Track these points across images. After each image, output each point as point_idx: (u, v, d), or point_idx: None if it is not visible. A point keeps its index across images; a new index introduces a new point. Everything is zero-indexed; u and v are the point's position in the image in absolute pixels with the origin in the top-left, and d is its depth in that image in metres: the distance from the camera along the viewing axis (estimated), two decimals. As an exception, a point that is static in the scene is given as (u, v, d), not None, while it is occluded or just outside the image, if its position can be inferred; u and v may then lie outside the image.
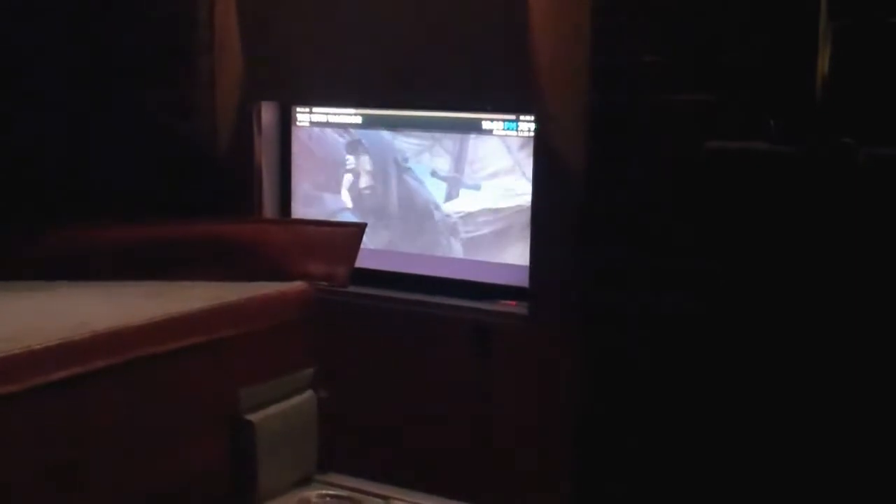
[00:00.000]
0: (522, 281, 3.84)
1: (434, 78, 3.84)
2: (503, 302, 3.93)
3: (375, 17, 3.92)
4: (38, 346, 2.48)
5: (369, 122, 4.20)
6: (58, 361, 2.51)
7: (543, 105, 3.63)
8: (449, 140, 4.05)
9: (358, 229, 3.37)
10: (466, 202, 4.05)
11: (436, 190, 4.11)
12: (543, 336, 3.68)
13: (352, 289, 3.64)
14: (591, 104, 3.41)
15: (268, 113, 4.30)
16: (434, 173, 4.10)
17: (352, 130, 4.25)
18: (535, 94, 3.61)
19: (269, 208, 4.32)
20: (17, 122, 3.92)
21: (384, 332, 4.00)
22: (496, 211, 3.99)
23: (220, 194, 4.17)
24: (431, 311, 3.96)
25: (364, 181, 4.26)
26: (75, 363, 2.54)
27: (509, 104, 3.81)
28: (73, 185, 4.01)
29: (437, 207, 4.11)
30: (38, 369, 2.47)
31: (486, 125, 3.96)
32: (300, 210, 4.37)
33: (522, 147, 3.90)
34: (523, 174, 3.89)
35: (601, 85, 3.39)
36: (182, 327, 2.84)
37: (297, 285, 3.22)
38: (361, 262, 3.47)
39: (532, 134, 3.79)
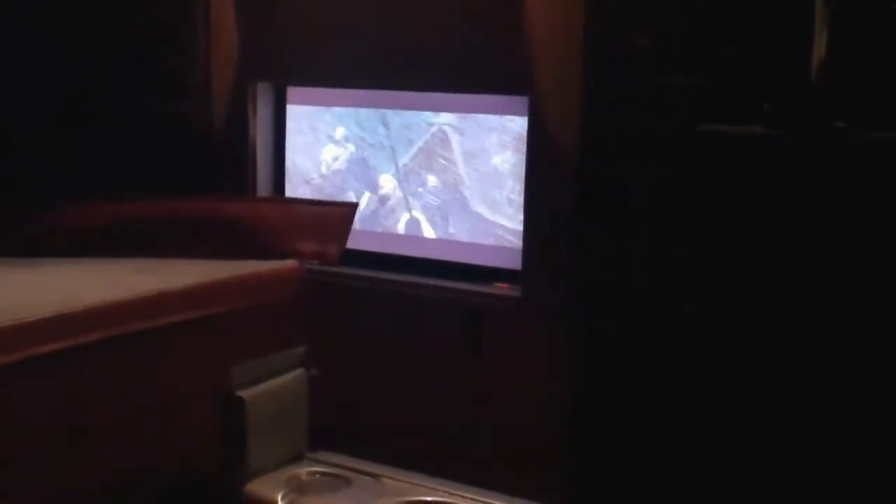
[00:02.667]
0: (515, 263, 3.85)
1: (428, 58, 3.84)
2: (496, 284, 3.93)
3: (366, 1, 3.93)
4: (31, 319, 2.49)
5: (363, 101, 4.19)
6: (50, 334, 2.54)
7: (537, 85, 3.64)
8: (443, 119, 4.05)
9: (350, 209, 3.38)
10: (459, 185, 4.05)
11: (426, 171, 4.11)
12: (535, 318, 3.70)
13: (344, 269, 3.66)
14: (585, 85, 3.41)
15: (262, 92, 4.29)
16: (426, 154, 4.09)
17: (344, 109, 4.25)
18: (528, 74, 3.63)
19: (263, 188, 4.31)
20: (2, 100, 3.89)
21: (376, 313, 4.01)
22: (488, 192, 3.98)
23: (214, 174, 4.18)
24: (423, 293, 3.96)
25: (355, 161, 4.24)
26: (68, 336, 2.58)
27: (502, 84, 3.79)
28: (62, 164, 4.01)
29: (429, 188, 4.10)
30: (31, 342, 2.50)
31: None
32: (293, 191, 4.36)
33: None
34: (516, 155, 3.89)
35: (595, 66, 3.39)
36: (174, 303, 2.86)
37: (288, 264, 3.24)
38: (353, 242, 3.45)
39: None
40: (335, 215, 3.38)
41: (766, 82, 3.07)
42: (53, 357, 2.56)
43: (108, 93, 4.12)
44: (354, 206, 3.42)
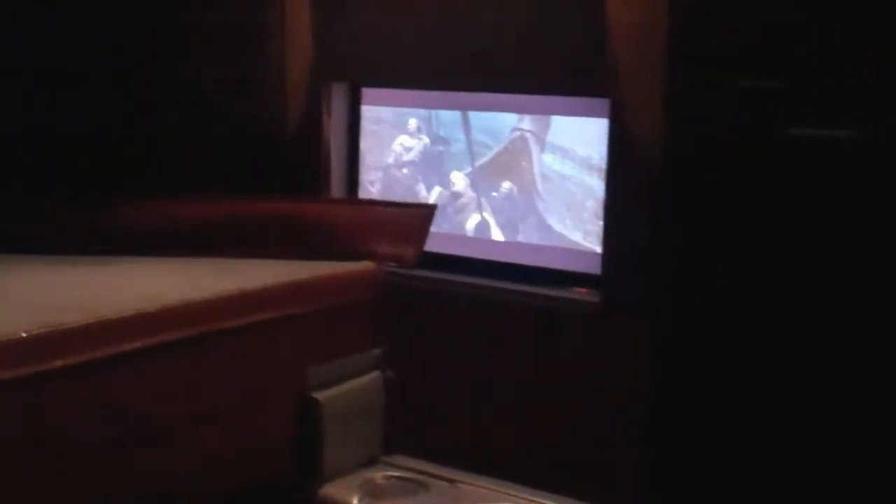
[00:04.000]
0: (594, 268, 3.80)
1: (506, 58, 3.77)
2: (575, 289, 3.87)
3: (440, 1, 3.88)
4: (113, 317, 2.47)
5: (439, 103, 4.16)
6: (130, 333, 2.53)
7: (619, 88, 3.59)
8: (522, 123, 4.00)
9: (428, 211, 3.34)
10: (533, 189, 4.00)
11: (502, 174, 4.06)
12: (614, 324, 3.65)
13: (420, 272, 3.62)
14: (669, 87, 3.30)
15: (336, 93, 4.26)
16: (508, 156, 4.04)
17: (423, 111, 4.21)
18: (610, 75, 3.58)
19: (337, 190, 4.29)
20: (73, 100, 3.89)
21: (452, 316, 3.96)
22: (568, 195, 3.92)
23: (288, 176, 4.15)
24: (498, 297, 3.92)
25: (428, 154, 4.21)
26: (147, 335, 2.56)
27: (583, 86, 3.73)
28: (135, 165, 3.99)
29: (503, 191, 4.06)
30: (111, 340, 2.48)
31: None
32: (368, 193, 4.34)
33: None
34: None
35: (679, 67, 3.27)
36: (251, 303, 2.84)
37: (365, 265, 3.21)
38: (429, 245, 3.44)
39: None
40: (413, 217, 3.34)
41: (857, 85, 2.96)
42: (132, 356, 2.54)
43: (178, 93, 4.08)
44: (433, 207, 3.37)
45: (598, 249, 3.80)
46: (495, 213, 4.10)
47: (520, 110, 3.99)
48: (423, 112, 4.21)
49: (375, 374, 3.13)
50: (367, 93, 4.31)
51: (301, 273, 3.05)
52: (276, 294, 2.91)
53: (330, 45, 4.14)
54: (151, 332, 2.57)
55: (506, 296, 3.90)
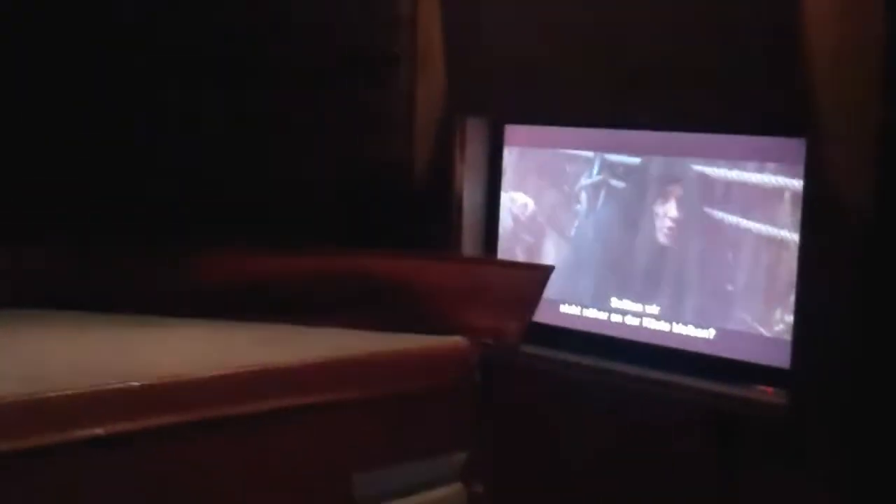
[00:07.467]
0: (782, 360, 3.22)
1: (676, 92, 3.30)
2: (757, 387, 3.30)
3: (605, 21, 3.43)
4: (55, 395, 2.01)
5: (601, 145, 3.64)
6: (89, 414, 2.05)
7: (819, 125, 3.05)
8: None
9: (541, 273, 2.72)
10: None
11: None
12: (806, 434, 3.08)
13: (537, 349, 3.26)
14: (886, 124, 2.85)
15: (473, 130, 3.83)
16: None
17: (580, 153, 3.70)
18: (807, 111, 3.06)
19: (471, 243, 3.83)
20: (184, 145, 3.65)
21: (581, 414, 3.41)
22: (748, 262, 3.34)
23: (414, 223, 3.72)
24: (651, 391, 3.38)
25: (587, 216, 3.69)
26: (111, 418, 2.07)
27: (771, 123, 3.23)
28: (239, 205, 3.64)
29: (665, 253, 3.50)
30: (59, 421, 2.02)
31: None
32: (508, 247, 3.86)
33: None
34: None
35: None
36: (276, 383, 2.32)
37: (452, 341, 2.62)
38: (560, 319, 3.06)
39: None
40: (521, 280, 2.73)
41: None
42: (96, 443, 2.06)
43: (292, 123, 3.74)
44: (548, 270, 2.70)
45: (787, 336, 3.22)
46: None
47: (690, 153, 3.46)
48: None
49: (456, 486, 2.57)
50: (513, 131, 3.85)
51: (361, 346, 2.49)
52: (314, 373, 2.34)
53: (466, 74, 3.71)
54: (115, 415, 2.07)
55: (659, 390, 3.37)
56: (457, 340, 2.60)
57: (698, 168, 3.41)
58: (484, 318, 2.64)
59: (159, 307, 2.88)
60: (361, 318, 2.71)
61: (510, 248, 3.85)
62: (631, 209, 3.56)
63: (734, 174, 3.36)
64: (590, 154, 3.65)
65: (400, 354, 2.48)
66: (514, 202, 3.84)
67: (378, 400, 2.42)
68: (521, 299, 2.66)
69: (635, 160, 3.56)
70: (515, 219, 3.84)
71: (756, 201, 3.32)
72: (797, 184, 3.20)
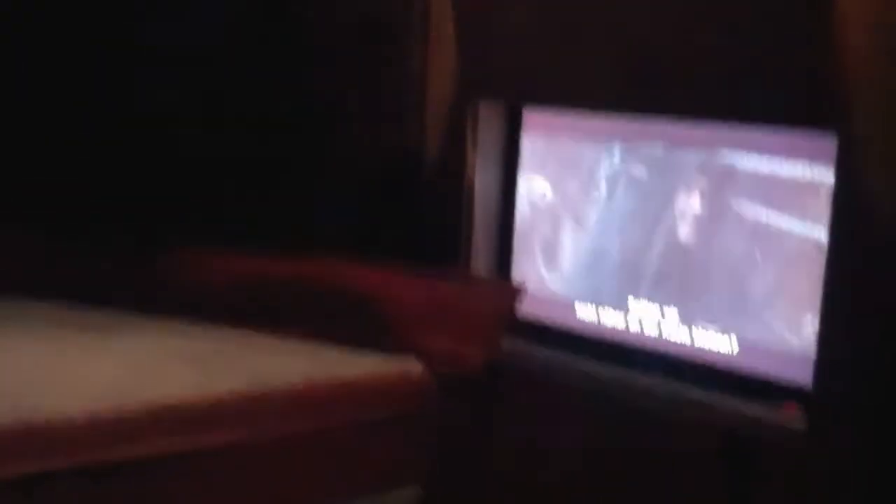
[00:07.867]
0: (803, 377, 2.95)
1: (702, 76, 3.05)
2: (778, 405, 3.02)
3: (632, 3, 3.20)
4: None
5: (630, 135, 3.36)
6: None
7: (850, 118, 2.80)
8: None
9: (509, 293, 2.47)
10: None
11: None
12: (827, 460, 2.81)
13: (531, 348, 2.90)
14: None
15: (489, 114, 3.56)
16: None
17: (606, 143, 3.43)
18: (836, 102, 2.81)
19: (484, 234, 3.54)
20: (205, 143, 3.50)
21: (573, 430, 3.10)
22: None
23: (424, 216, 3.52)
24: (655, 407, 3.10)
25: (607, 207, 3.42)
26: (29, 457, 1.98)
27: (797, 114, 2.93)
28: (246, 197, 3.48)
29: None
30: None
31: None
32: (524, 244, 3.56)
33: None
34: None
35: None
36: (203, 418, 2.06)
37: (408, 366, 2.43)
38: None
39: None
40: (487, 300, 2.46)
41: None
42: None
43: (296, 110, 3.55)
44: (516, 290, 2.45)
45: (812, 352, 2.94)
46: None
47: (712, 144, 3.18)
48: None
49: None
50: (532, 118, 3.57)
51: (302, 370, 2.35)
52: (249, 405, 2.17)
53: (481, 51, 3.46)
54: (34, 455, 1.98)
55: (672, 406, 3.08)
56: (410, 368, 2.42)
57: (728, 161, 3.15)
58: (443, 341, 2.45)
59: (134, 304, 2.79)
60: (319, 329, 2.57)
61: (527, 239, 3.55)
62: (652, 201, 3.30)
63: (764, 167, 3.08)
64: (611, 142, 3.39)
65: (354, 383, 2.32)
66: (532, 191, 3.57)
67: (325, 432, 2.28)
68: (485, 323, 2.44)
69: (657, 150, 3.29)
70: (533, 206, 3.55)
71: (790, 197, 3.03)
72: (826, 180, 2.92)
